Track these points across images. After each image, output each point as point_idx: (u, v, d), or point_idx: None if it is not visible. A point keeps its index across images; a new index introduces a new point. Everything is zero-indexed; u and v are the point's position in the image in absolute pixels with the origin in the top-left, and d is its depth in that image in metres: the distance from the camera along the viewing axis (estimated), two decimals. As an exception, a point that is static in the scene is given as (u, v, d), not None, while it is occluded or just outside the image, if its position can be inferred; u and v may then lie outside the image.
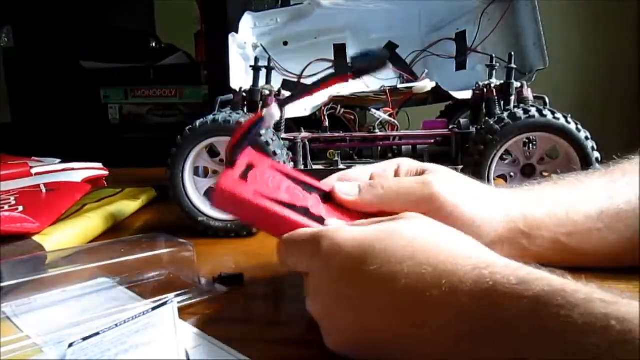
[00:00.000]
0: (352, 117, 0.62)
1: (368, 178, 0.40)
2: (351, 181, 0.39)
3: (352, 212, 0.37)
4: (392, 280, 0.26)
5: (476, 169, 0.51)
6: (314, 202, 0.36)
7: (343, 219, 0.36)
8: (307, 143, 0.58)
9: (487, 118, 0.56)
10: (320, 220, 0.35)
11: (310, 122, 0.64)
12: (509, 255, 0.36)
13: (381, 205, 0.36)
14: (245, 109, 0.58)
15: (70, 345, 0.31)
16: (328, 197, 0.38)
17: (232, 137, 0.35)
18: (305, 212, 0.35)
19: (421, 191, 0.36)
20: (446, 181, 0.37)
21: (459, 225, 0.34)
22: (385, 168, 0.41)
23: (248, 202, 0.34)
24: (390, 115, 0.61)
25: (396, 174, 0.40)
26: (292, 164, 0.55)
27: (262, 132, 0.52)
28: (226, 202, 0.35)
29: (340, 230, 0.30)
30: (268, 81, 0.60)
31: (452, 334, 0.25)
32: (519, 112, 0.51)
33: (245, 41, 0.68)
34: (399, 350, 0.27)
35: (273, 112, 0.34)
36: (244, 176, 0.35)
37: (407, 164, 0.41)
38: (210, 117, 0.53)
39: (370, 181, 0.38)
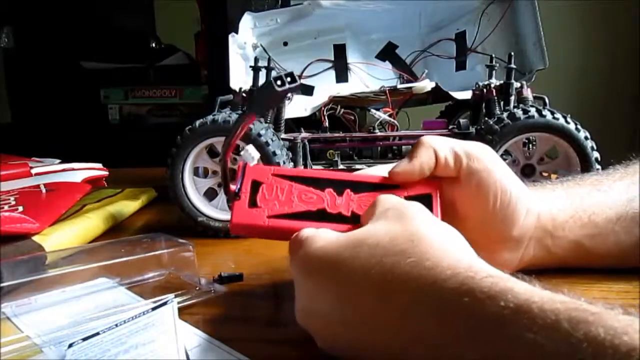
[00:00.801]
0: (352, 118, 0.62)
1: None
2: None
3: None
4: (359, 282, 0.27)
5: (476, 169, 0.51)
6: (329, 199, 0.36)
7: None
8: (307, 143, 0.58)
9: (486, 118, 0.56)
10: (338, 217, 0.35)
11: (310, 122, 0.64)
12: (535, 255, 0.37)
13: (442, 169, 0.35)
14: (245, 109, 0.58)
15: (70, 345, 0.31)
16: (359, 188, 0.36)
17: (225, 188, 0.36)
18: (322, 214, 0.35)
19: (472, 163, 0.35)
20: (497, 160, 0.36)
21: (498, 218, 0.35)
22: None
23: (264, 228, 0.35)
24: (390, 116, 0.61)
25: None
26: (291, 164, 0.55)
27: (262, 132, 0.52)
28: (243, 232, 0.37)
29: (315, 238, 0.30)
30: (268, 81, 0.60)
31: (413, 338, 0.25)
32: (519, 113, 0.51)
33: (245, 41, 0.68)
34: (377, 350, 0.27)
35: (252, 154, 0.36)
36: (253, 201, 0.35)
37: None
38: (210, 117, 0.53)
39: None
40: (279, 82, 0.32)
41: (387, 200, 0.32)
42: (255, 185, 0.36)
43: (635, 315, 0.20)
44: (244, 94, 0.59)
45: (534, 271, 0.39)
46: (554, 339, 0.20)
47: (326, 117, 0.61)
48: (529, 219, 0.37)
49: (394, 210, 0.30)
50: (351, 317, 0.27)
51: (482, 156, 0.35)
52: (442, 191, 0.36)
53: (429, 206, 0.34)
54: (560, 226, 0.38)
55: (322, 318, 0.29)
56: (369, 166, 0.58)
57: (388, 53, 0.73)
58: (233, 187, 0.36)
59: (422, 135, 0.58)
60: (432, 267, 0.25)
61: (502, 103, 0.56)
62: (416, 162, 0.35)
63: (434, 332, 0.24)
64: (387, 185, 0.36)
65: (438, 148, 0.35)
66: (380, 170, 0.38)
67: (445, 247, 0.27)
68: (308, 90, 0.71)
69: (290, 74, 0.32)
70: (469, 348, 0.23)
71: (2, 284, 0.36)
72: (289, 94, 0.62)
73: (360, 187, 0.36)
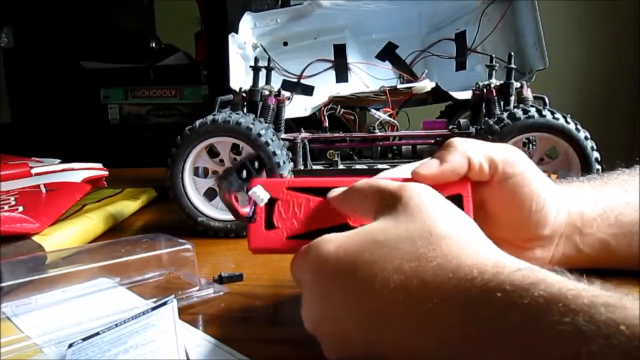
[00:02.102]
0: (352, 118, 0.62)
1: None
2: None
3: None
4: (379, 287, 0.26)
5: (476, 169, 0.51)
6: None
7: None
8: (307, 143, 0.58)
9: (486, 118, 0.56)
10: None
11: (310, 122, 0.64)
12: (564, 253, 0.37)
13: (463, 169, 0.34)
14: (245, 109, 0.58)
15: (70, 345, 0.31)
16: None
17: (235, 215, 0.34)
18: (345, 228, 0.32)
19: (508, 169, 0.34)
20: (529, 162, 0.36)
21: (530, 217, 0.35)
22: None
23: (284, 250, 0.34)
24: (390, 116, 0.61)
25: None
26: (291, 164, 0.55)
27: (262, 132, 0.52)
28: (262, 253, 0.36)
29: (327, 241, 0.29)
30: (268, 81, 0.60)
31: (440, 341, 0.24)
32: (519, 113, 0.51)
33: (245, 41, 0.68)
34: (394, 355, 0.27)
35: (261, 196, 0.34)
36: (270, 223, 0.34)
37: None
38: (210, 117, 0.53)
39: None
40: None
41: (407, 190, 0.30)
42: (270, 203, 0.34)
43: None
44: (244, 94, 0.59)
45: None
46: (591, 322, 0.19)
47: (326, 117, 0.61)
48: (560, 217, 0.37)
49: (414, 204, 0.28)
50: (371, 321, 0.27)
51: (516, 160, 0.35)
52: (471, 191, 0.35)
53: (459, 206, 0.32)
54: (588, 224, 0.38)
55: (337, 323, 0.28)
56: (368, 166, 0.58)
57: (388, 53, 0.73)
58: (245, 210, 0.34)
59: (422, 135, 0.59)
60: (457, 268, 0.25)
61: (502, 103, 0.56)
62: (447, 167, 0.33)
63: (461, 334, 0.24)
64: None
65: (472, 154, 0.34)
66: (402, 172, 0.36)
67: (468, 246, 0.26)
68: (308, 90, 0.71)
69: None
70: (499, 345, 0.22)
71: (2, 284, 0.36)
72: (290, 95, 0.62)
73: None
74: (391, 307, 0.26)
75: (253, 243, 0.34)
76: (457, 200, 0.33)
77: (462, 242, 0.27)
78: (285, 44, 0.72)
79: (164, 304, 0.34)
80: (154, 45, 1.17)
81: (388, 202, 0.30)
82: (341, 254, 0.28)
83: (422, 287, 0.25)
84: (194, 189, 0.55)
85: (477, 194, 0.35)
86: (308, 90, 0.71)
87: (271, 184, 0.35)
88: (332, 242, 0.29)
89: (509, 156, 0.35)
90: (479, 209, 0.35)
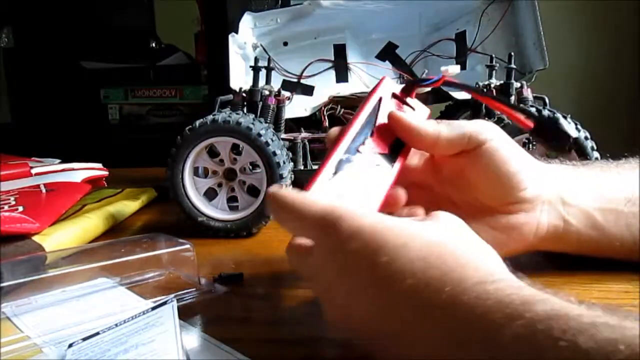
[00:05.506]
0: (352, 117, 0.62)
1: None
2: None
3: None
4: (399, 276, 0.26)
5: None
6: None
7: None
8: (307, 143, 0.58)
9: (486, 118, 0.56)
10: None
11: (310, 122, 0.64)
12: (550, 222, 0.38)
13: (448, 146, 0.37)
14: (245, 109, 0.58)
15: (70, 345, 0.31)
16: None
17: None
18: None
19: (476, 130, 0.37)
20: (500, 135, 0.37)
21: (507, 179, 0.36)
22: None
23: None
24: (390, 116, 0.61)
25: None
26: (291, 164, 0.55)
27: (262, 132, 0.52)
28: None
29: (363, 215, 0.29)
30: (268, 81, 0.60)
31: (442, 341, 0.25)
32: (519, 112, 0.51)
33: (245, 41, 0.68)
34: (392, 341, 0.27)
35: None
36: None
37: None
38: (210, 117, 0.53)
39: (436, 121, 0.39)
40: None
41: (447, 222, 0.31)
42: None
43: None
44: (244, 94, 0.59)
45: (536, 274, 0.39)
46: (591, 340, 0.20)
47: (326, 117, 0.61)
48: (542, 182, 0.38)
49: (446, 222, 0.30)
50: (379, 312, 0.27)
51: (486, 128, 0.37)
52: (448, 162, 0.38)
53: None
54: (572, 195, 0.38)
55: (349, 296, 0.28)
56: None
57: (388, 53, 0.73)
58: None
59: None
60: (459, 281, 0.26)
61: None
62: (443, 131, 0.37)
63: (457, 347, 0.24)
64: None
65: (442, 127, 0.37)
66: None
67: (471, 266, 0.27)
68: (308, 90, 0.71)
69: None
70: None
71: (2, 284, 0.36)
72: (290, 95, 0.62)
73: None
74: (408, 293, 0.26)
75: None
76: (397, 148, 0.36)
77: (492, 254, 0.28)
78: (285, 44, 0.72)
79: (164, 304, 0.34)
80: (154, 45, 1.17)
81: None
82: (376, 232, 0.28)
83: (443, 277, 0.26)
84: (194, 189, 0.55)
85: (456, 164, 0.38)
86: (308, 90, 0.71)
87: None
88: (368, 217, 0.29)
89: (479, 126, 0.37)
90: (460, 178, 0.38)
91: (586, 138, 0.50)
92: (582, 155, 0.50)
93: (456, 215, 0.31)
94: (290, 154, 0.56)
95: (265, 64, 0.60)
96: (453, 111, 0.69)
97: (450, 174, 0.39)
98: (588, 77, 1.72)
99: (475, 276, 0.26)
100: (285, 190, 0.31)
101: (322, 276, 0.30)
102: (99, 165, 0.67)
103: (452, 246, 0.28)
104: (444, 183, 0.40)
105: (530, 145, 0.54)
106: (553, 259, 0.41)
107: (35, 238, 0.48)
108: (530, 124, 0.36)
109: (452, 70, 0.38)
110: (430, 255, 0.27)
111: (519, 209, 0.37)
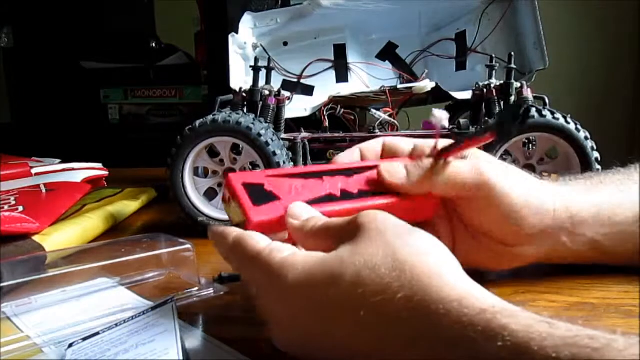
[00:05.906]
0: (352, 117, 0.62)
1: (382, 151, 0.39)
2: (375, 151, 0.39)
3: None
4: (342, 324, 0.26)
5: (476, 169, 0.51)
6: (330, 185, 0.35)
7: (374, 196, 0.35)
8: (307, 143, 0.58)
9: (486, 118, 0.56)
10: (349, 195, 0.35)
11: (310, 122, 0.64)
12: (550, 250, 0.37)
13: (431, 188, 0.35)
14: (245, 109, 0.58)
15: (70, 345, 0.31)
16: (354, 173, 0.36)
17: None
18: (331, 198, 0.34)
19: (472, 178, 0.35)
20: (496, 168, 0.36)
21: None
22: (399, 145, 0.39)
23: (279, 220, 0.33)
24: (390, 116, 0.61)
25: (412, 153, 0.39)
26: (291, 164, 0.55)
27: (262, 132, 0.52)
28: (263, 230, 0.34)
29: (290, 265, 0.28)
30: (268, 81, 0.60)
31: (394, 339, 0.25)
32: (519, 112, 0.51)
33: (245, 41, 0.68)
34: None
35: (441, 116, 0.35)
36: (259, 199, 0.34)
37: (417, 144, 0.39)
38: (210, 117, 0.53)
39: (417, 162, 0.36)
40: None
41: (366, 215, 0.29)
42: (256, 188, 0.35)
43: (636, 341, 0.20)
44: (244, 94, 0.59)
45: (531, 273, 0.39)
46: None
47: (326, 117, 0.61)
48: (544, 217, 0.36)
49: (375, 227, 0.28)
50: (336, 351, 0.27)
51: (483, 171, 0.35)
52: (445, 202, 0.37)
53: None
54: (578, 224, 0.37)
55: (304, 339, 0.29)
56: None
57: (388, 53, 0.73)
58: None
59: (422, 135, 0.58)
60: (423, 302, 0.24)
61: (502, 103, 0.56)
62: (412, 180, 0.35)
63: None
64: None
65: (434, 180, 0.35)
66: (353, 155, 0.39)
67: (434, 276, 0.25)
68: (308, 90, 0.71)
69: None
70: None
71: (2, 284, 0.36)
72: (290, 95, 0.62)
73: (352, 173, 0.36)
74: (364, 341, 0.26)
75: (253, 217, 0.34)
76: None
77: (428, 272, 0.25)
78: (285, 44, 0.72)
79: (164, 304, 0.34)
80: (154, 45, 1.16)
81: (350, 229, 0.29)
82: (303, 284, 0.27)
83: (394, 322, 0.25)
84: (194, 189, 0.55)
85: (451, 205, 0.37)
86: (308, 90, 0.71)
87: (248, 175, 0.36)
88: (295, 267, 0.28)
89: (474, 173, 0.35)
90: (456, 217, 0.37)
91: (586, 138, 0.50)
92: (583, 155, 0.50)
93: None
94: (290, 153, 0.56)
95: (265, 64, 0.60)
96: (453, 111, 0.69)
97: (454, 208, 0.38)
98: (588, 78, 1.72)
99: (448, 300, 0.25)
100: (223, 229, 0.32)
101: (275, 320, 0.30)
102: (99, 165, 0.67)
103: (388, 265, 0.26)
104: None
105: (530, 145, 0.54)
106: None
107: (35, 238, 0.48)
108: (490, 136, 0.33)
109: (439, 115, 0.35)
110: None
111: (519, 244, 0.37)
